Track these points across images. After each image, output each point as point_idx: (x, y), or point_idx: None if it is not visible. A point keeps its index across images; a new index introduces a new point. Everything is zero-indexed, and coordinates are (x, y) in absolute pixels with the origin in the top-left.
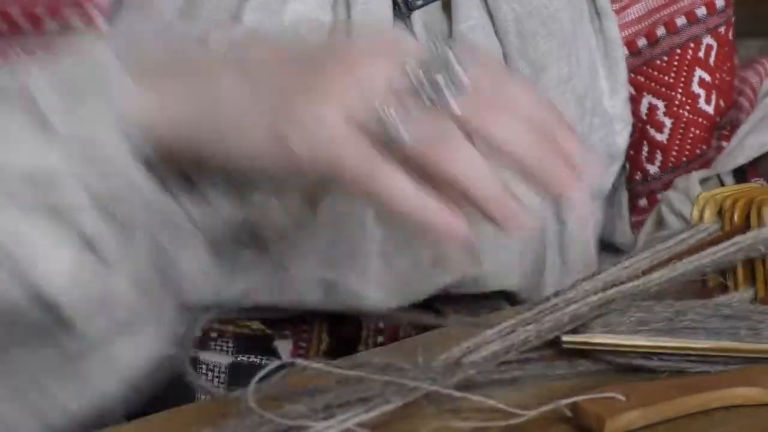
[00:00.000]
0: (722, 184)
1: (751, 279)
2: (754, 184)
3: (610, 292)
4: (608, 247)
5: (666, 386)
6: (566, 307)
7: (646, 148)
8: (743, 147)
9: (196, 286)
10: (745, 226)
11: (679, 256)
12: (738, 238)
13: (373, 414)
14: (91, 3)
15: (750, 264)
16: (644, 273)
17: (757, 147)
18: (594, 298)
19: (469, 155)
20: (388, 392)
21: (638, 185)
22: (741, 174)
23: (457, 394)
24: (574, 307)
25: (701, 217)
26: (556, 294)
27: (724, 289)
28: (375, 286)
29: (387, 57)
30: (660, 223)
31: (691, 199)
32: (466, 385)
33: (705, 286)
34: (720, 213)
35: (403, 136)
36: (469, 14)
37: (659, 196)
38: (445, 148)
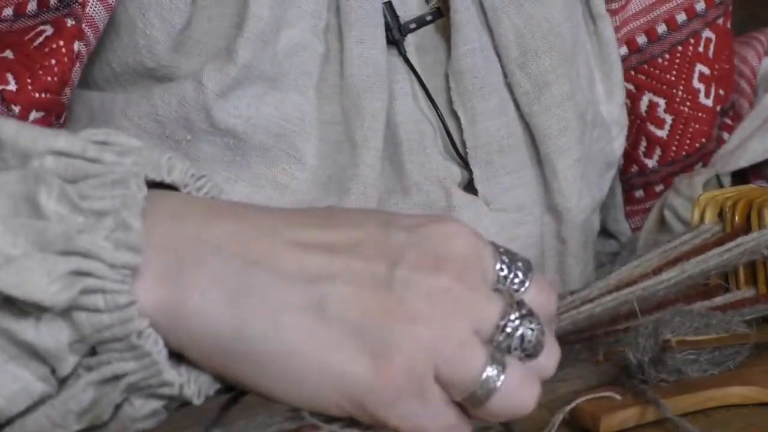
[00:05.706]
0: (720, 183)
1: (753, 279)
2: (754, 186)
3: (624, 292)
4: (600, 232)
5: (662, 386)
6: (581, 306)
7: (644, 143)
8: (746, 149)
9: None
10: (746, 227)
11: (686, 256)
12: (741, 239)
13: None
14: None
15: (751, 264)
16: (654, 273)
17: (762, 152)
18: (608, 297)
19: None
20: None
21: (634, 177)
22: (740, 174)
23: None
24: (590, 306)
25: (702, 219)
26: (572, 293)
27: (725, 288)
28: None
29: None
30: (662, 223)
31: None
32: None
33: (707, 285)
34: (720, 214)
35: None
36: (469, 37)
37: (657, 188)
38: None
